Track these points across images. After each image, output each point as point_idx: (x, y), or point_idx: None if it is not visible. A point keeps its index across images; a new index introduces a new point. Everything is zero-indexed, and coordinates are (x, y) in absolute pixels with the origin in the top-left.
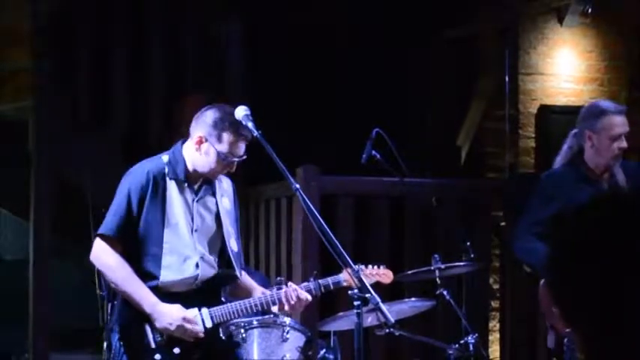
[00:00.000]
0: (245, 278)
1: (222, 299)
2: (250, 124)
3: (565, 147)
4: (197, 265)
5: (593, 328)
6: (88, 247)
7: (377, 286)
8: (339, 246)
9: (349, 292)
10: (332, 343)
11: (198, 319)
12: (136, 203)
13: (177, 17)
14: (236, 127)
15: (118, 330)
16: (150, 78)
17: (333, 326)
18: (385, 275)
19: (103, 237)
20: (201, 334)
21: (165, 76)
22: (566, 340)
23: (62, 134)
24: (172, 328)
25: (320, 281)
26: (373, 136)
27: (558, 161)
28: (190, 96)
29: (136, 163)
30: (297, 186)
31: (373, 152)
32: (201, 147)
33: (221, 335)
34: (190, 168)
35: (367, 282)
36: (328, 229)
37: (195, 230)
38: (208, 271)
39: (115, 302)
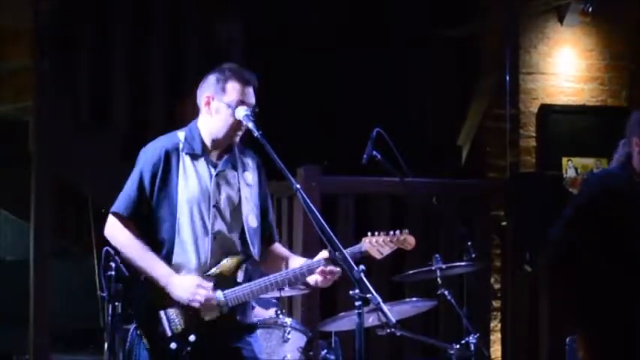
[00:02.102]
0: (277, 249)
1: (239, 280)
2: (251, 125)
3: (615, 157)
4: (210, 244)
5: (595, 329)
6: (88, 248)
7: (381, 286)
8: (341, 246)
9: (350, 292)
10: (333, 344)
11: (220, 296)
12: (148, 181)
13: (178, 17)
14: (238, 74)
15: (135, 319)
16: (150, 78)
17: (334, 326)
18: (406, 241)
19: (115, 214)
20: (214, 301)
21: (165, 76)
22: (568, 339)
23: (62, 134)
24: (186, 296)
25: (337, 254)
26: (374, 136)
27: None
28: (191, 96)
29: (135, 164)
30: (298, 186)
31: (374, 152)
32: (210, 107)
33: (238, 319)
34: (208, 140)
35: (389, 249)
36: (329, 229)
37: (214, 205)
38: (222, 249)
39: (131, 294)
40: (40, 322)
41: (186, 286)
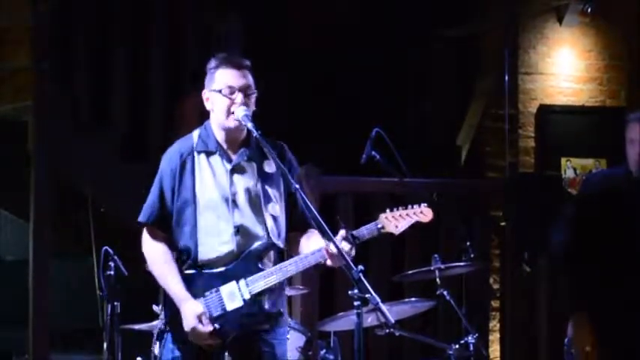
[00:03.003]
0: (307, 234)
1: (262, 268)
2: (250, 124)
3: None
4: (233, 238)
5: (597, 327)
6: (87, 248)
7: (379, 286)
8: (340, 246)
9: (349, 292)
10: (332, 344)
11: (236, 291)
12: (169, 187)
13: (177, 17)
14: (223, 60)
15: (163, 313)
16: (150, 78)
17: (333, 326)
18: (423, 214)
19: (141, 224)
20: (208, 332)
21: (165, 76)
22: (566, 339)
23: (62, 134)
24: (185, 326)
25: (353, 232)
26: (373, 136)
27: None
28: (190, 96)
29: (135, 164)
30: (297, 186)
31: (373, 152)
32: (209, 102)
33: (265, 306)
34: (220, 136)
35: (407, 223)
36: (328, 229)
37: (233, 200)
38: (246, 241)
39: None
40: (40, 321)
41: (189, 318)
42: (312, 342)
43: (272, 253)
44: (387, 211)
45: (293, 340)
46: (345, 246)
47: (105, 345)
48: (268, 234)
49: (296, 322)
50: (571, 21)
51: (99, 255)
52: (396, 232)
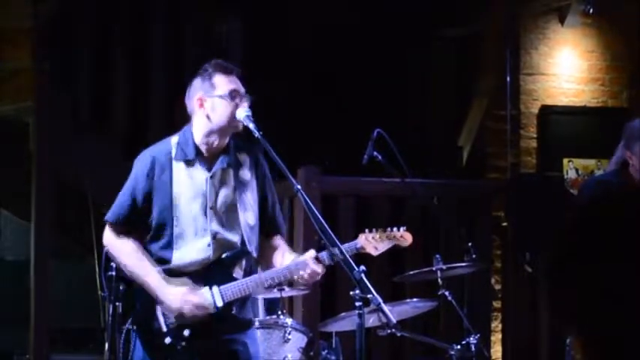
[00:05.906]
0: (275, 242)
1: (235, 276)
2: (252, 125)
3: (614, 157)
4: (209, 246)
5: (594, 332)
6: (88, 248)
7: (381, 286)
8: (341, 247)
9: (351, 292)
10: (334, 344)
11: (209, 297)
12: (141, 190)
13: (178, 17)
14: (220, 66)
15: (131, 314)
16: (150, 78)
17: (335, 327)
18: (404, 238)
19: (108, 223)
20: (209, 310)
21: (165, 76)
22: (568, 340)
23: (62, 134)
24: (175, 306)
25: (338, 254)
26: (374, 136)
27: (608, 170)
28: None
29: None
30: (299, 187)
31: (374, 153)
32: (204, 106)
33: (236, 314)
34: (202, 143)
35: (386, 246)
36: (329, 230)
37: (210, 208)
38: (222, 249)
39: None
40: (41, 321)
41: (179, 292)
42: (314, 342)
43: (244, 261)
44: (367, 231)
45: (295, 341)
46: (317, 267)
47: (106, 345)
48: (243, 242)
49: (298, 323)
50: (573, 21)
51: (100, 255)
52: (375, 253)
